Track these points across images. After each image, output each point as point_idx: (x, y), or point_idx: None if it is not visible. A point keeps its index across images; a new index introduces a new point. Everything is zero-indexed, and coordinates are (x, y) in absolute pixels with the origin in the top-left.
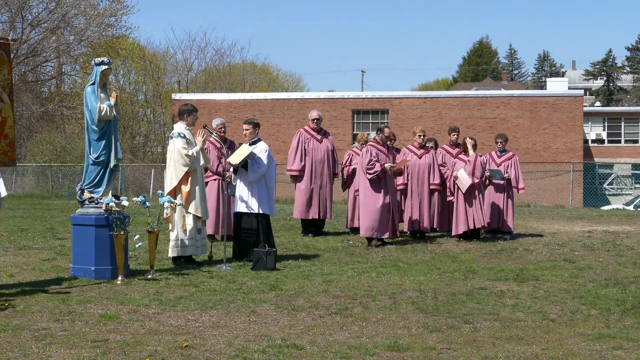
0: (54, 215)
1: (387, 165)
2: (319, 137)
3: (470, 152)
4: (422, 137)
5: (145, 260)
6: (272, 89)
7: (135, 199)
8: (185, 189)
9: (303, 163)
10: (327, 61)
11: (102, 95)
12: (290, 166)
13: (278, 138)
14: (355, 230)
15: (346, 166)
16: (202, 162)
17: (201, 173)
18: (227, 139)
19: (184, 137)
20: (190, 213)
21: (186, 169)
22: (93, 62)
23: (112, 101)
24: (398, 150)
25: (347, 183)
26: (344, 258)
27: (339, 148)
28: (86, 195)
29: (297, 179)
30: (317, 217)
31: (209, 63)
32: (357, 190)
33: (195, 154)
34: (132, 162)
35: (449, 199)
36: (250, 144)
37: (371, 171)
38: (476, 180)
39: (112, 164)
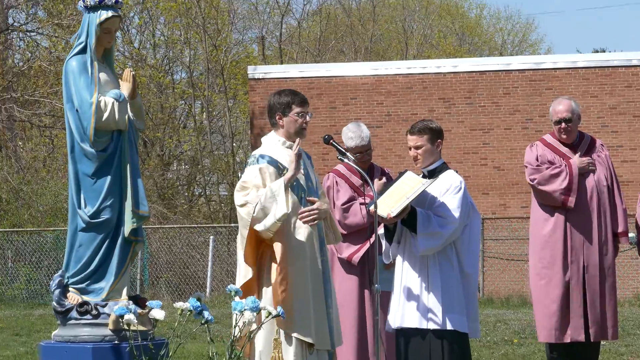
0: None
1: None
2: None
3: None
4: None
5: None
6: (470, 49)
7: (178, 304)
8: (273, 275)
9: (554, 219)
10: None
11: (102, 76)
12: None
13: (486, 159)
14: None
15: None
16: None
17: (318, 239)
18: (375, 165)
19: (270, 162)
20: (290, 335)
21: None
22: (81, 3)
23: (126, 89)
24: None
25: None
26: None
27: (627, 180)
28: (72, 298)
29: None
30: (582, 339)
31: None
32: None
33: (269, 196)
34: (165, 221)
35: None
36: (423, 176)
37: None
38: None
39: (127, 227)
